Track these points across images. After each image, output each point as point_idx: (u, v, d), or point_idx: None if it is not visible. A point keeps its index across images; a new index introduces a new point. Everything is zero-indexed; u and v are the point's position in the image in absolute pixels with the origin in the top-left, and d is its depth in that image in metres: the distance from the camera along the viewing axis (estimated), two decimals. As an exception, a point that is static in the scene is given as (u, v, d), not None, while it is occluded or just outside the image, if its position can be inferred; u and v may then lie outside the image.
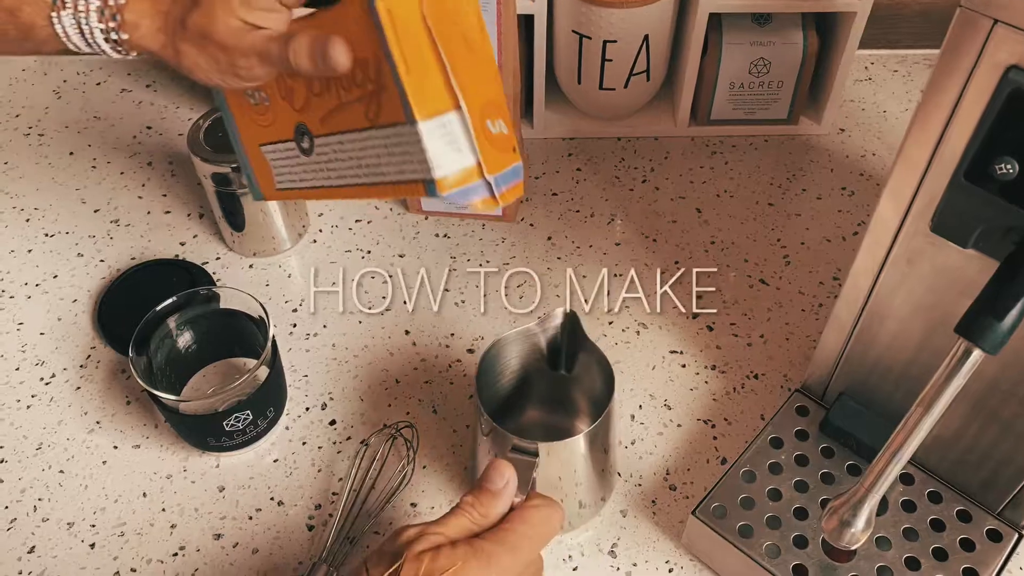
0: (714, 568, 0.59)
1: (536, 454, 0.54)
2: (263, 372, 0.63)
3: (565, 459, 0.56)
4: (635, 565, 0.60)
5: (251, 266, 0.78)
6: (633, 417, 0.67)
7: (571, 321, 0.60)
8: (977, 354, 0.42)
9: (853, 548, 0.49)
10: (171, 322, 0.64)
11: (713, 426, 0.67)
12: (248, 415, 0.62)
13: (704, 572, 0.60)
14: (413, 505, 0.63)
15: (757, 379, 0.70)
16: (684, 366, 0.70)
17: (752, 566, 0.56)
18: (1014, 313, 0.42)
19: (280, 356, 0.66)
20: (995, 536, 0.56)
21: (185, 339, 0.66)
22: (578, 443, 0.56)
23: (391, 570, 0.43)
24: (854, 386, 0.60)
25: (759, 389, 0.69)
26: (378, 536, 0.62)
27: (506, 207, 0.78)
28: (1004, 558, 0.55)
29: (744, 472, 0.59)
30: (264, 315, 0.63)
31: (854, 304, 0.55)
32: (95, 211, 0.82)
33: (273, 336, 0.63)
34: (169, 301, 0.63)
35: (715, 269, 0.76)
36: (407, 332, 0.73)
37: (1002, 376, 0.51)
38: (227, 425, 0.61)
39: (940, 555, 0.55)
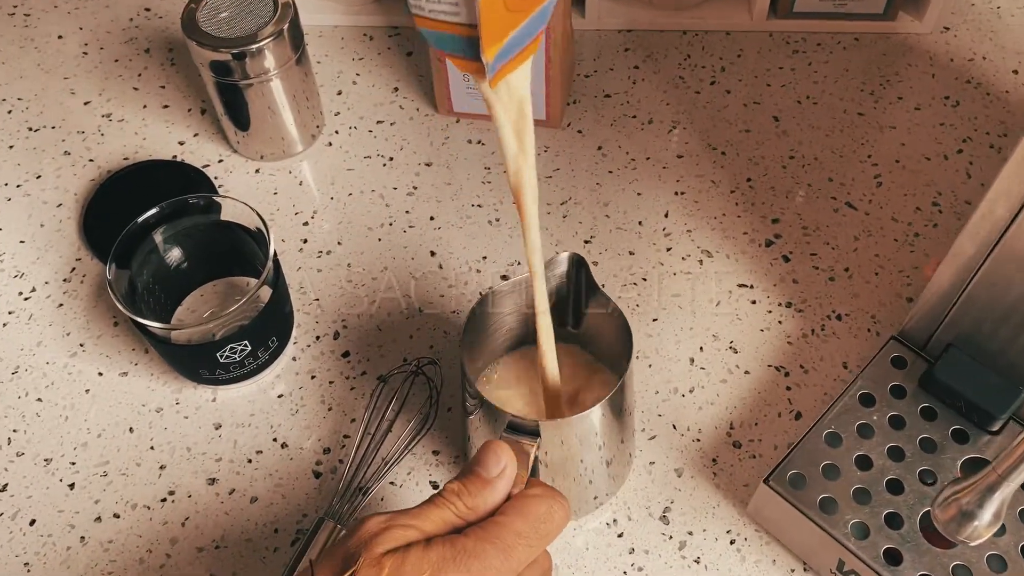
0: (784, 543, 0.51)
1: (537, 433, 0.44)
2: (265, 294, 0.54)
3: (571, 440, 0.46)
4: (690, 534, 0.52)
5: (257, 171, 0.68)
6: (692, 361, 0.58)
7: (577, 267, 0.49)
8: None
9: (973, 544, 0.39)
10: (157, 236, 0.55)
11: (787, 374, 0.57)
12: (246, 346, 0.53)
13: (772, 546, 0.51)
14: (435, 453, 0.55)
15: (840, 320, 0.59)
16: (754, 302, 0.60)
17: (833, 546, 0.47)
18: None
19: (285, 276, 0.57)
20: None
21: (174, 255, 0.57)
22: (587, 420, 0.45)
23: None
24: (966, 336, 0.50)
25: (842, 332, 0.59)
26: (394, 487, 0.54)
27: (550, 111, 0.68)
28: None
29: (827, 434, 0.50)
30: (263, 227, 0.54)
31: (985, 237, 0.45)
32: (85, 103, 0.73)
33: (275, 252, 0.54)
34: (153, 211, 0.54)
35: (794, 188, 0.66)
36: (433, 253, 0.63)
37: None
38: (221, 357, 0.53)
39: (1064, 544, 0.46)
